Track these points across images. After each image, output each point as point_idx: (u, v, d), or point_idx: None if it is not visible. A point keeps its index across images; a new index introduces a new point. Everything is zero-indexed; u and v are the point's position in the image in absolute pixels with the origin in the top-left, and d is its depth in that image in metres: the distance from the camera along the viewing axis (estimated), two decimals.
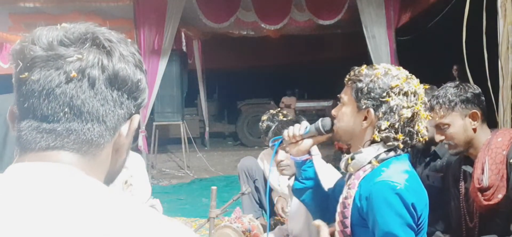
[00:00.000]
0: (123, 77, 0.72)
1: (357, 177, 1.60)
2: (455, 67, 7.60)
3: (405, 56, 6.73)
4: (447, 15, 6.32)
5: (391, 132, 1.54)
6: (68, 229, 0.63)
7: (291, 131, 1.79)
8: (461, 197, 2.14)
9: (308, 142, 1.79)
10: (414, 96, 1.56)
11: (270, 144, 2.02)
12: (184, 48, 9.44)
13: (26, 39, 0.71)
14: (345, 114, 1.64)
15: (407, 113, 1.53)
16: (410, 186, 1.51)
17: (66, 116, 0.69)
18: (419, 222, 1.54)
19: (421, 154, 2.59)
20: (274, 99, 10.58)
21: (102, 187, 0.71)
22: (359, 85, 1.58)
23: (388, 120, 1.54)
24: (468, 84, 2.11)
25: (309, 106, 10.52)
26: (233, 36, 9.37)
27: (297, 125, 1.81)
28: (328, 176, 2.58)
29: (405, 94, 1.55)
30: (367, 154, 1.58)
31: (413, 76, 1.62)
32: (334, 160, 6.65)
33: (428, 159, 2.51)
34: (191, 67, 9.60)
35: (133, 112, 0.77)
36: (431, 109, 2.05)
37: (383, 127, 1.54)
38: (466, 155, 2.14)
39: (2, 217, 0.63)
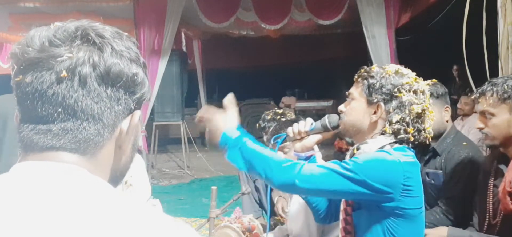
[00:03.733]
0: (116, 72, 0.71)
1: None
2: (455, 67, 7.61)
3: (405, 56, 6.73)
4: (447, 15, 6.32)
5: (402, 125, 1.60)
6: (71, 227, 0.63)
7: (295, 128, 1.79)
8: (489, 192, 2.09)
9: (313, 138, 1.79)
10: (423, 94, 1.63)
11: (272, 142, 2.01)
12: (184, 48, 9.44)
13: (22, 41, 0.71)
14: (354, 108, 1.68)
15: (417, 109, 1.59)
16: (408, 163, 1.55)
17: (60, 116, 0.69)
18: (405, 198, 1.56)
19: (420, 152, 2.59)
20: (274, 99, 10.58)
21: (106, 185, 0.71)
22: (371, 81, 1.64)
23: (398, 114, 1.60)
24: None
25: (309, 106, 10.52)
26: (233, 36, 9.37)
27: (302, 121, 1.81)
28: None
29: (415, 92, 1.61)
30: (373, 144, 1.62)
31: (421, 78, 1.69)
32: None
33: (427, 156, 2.51)
34: (191, 67, 9.60)
35: (133, 107, 0.75)
36: (482, 94, 2.01)
37: (394, 120, 1.59)
38: (503, 153, 2.08)
39: (6, 215, 0.64)
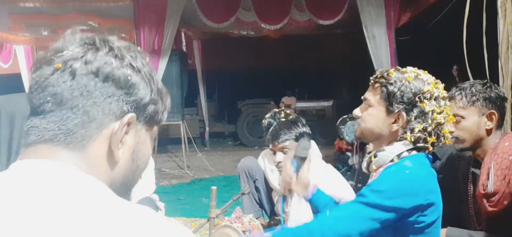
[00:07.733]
0: (108, 70, 0.73)
1: (378, 174, 1.63)
2: (455, 67, 7.59)
3: (405, 56, 6.73)
4: (447, 15, 6.32)
5: (424, 134, 1.57)
6: (62, 229, 0.63)
7: (283, 182, 1.82)
8: (469, 198, 2.11)
9: (303, 175, 1.79)
10: (443, 100, 1.60)
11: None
12: (184, 48, 9.44)
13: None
14: (372, 115, 1.65)
15: (440, 119, 1.56)
16: (428, 177, 1.55)
17: (49, 105, 0.71)
18: (424, 214, 1.55)
19: None
20: (274, 99, 10.57)
21: (99, 186, 0.71)
22: (390, 88, 1.59)
23: (421, 124, 1.56)
24: (496, 86, 2.09)
25: (309, 106, 10.51)
26: (233, 36, 9.37)
27: (284, 172, 1.83)
28: (328, 177, 2.58)
29: (436, 98, 1.58)
30: (390, 152, 1.61)
31: (439, 81, 1.65)
32: (334, 160, 6.63)
33: None
34: (191, 67, 9.59)
35: (127, 109, 0.75)
36: (452, 98, 2.03)
37: (416, 130, 1.56)
38: (475, 158, 2.11)
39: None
